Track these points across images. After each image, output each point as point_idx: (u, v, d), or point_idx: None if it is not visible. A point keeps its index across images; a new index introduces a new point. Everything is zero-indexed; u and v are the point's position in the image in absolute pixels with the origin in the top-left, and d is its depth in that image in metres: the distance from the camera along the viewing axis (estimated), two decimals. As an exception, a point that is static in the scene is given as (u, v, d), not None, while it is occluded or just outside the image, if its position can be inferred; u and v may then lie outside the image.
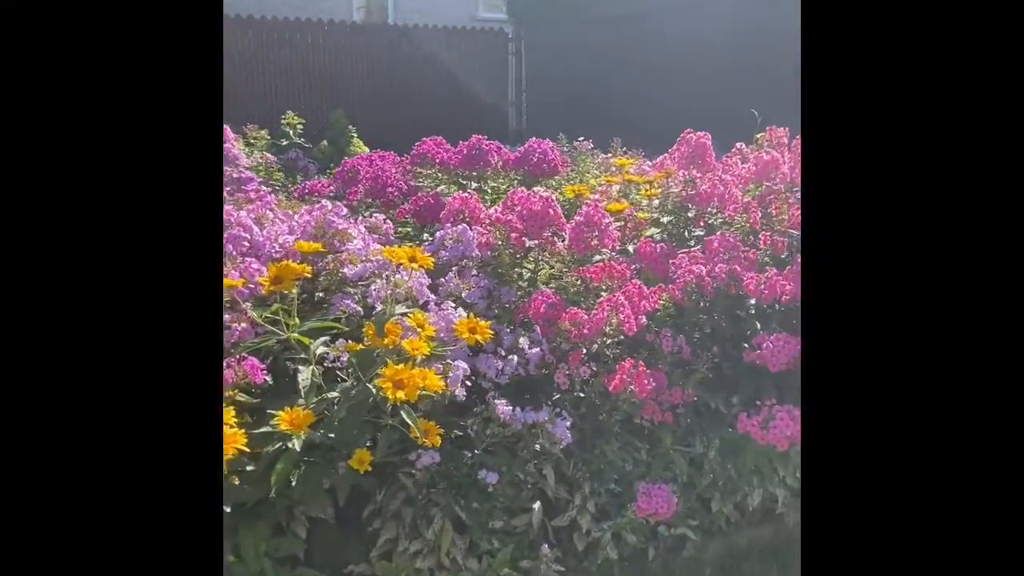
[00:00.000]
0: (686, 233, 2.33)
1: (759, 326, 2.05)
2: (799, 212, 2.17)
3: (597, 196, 2.23)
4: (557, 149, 2.59)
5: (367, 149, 5.41)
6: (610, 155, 2.79)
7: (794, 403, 1.98)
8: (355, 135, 5.70)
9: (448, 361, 1.60)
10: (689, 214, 2.35)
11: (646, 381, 1.79)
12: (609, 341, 1.85)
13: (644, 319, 1.91)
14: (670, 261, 2.04)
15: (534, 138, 2.57)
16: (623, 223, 2.37)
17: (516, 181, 2.42)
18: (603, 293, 1.98)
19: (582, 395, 1.89)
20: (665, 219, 2.39)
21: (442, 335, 1.63)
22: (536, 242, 2.01)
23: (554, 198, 1.97)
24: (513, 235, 1.91)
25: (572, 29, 7.67)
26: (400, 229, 2.26)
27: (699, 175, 2.30)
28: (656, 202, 2.38)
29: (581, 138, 3.53)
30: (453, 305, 1.70)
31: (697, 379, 1.95)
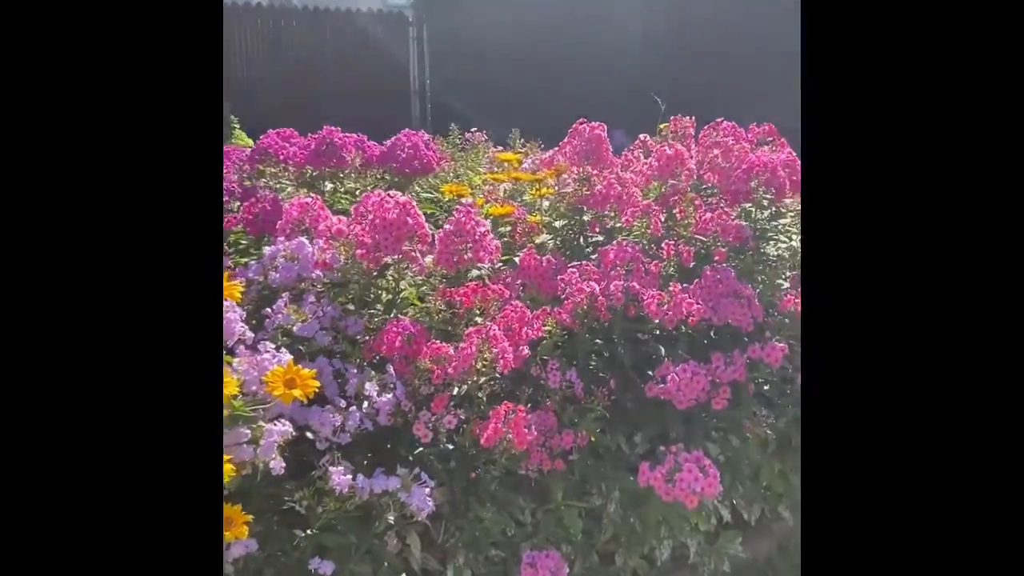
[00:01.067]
0: (582, 240, 2.01)
1: (664, 352, 1.74)
2: (708, 216, 1.87)
3: (470, 201, 1.87)
4: (434, 143, 2.22)
5: (251, 142, 4.91)
6: (499, 148, 2.45)
7: (705, 445, 1.69)
8: (237, 126, 5.18)
9: (261, 423, 1.22)
10: (585, 217, 2.02)
11: (527, 429, 1.45)
12: (482, 380, 1.50)
13: (526, 350, 1.57)
14: (559, 276, 1.71)
15: (407, 130, 2.20)
16: (511, 229, 2.03)
17: (383, 181, 2.04)
18: (479, 319, 1.63)
19: (451, 447, 1.54)
20: (559, 223, 2.06)
21: (255, 388, 1.25)
22: (397, 257, 1.64)
23: (413, 203, 1.60)
24: (359, 251, 1.54)
25: (476, 12, 7.29)
26: (238, 243, 1.86)
27: (595, 172, 1.97)
28: (546, 204, 2.05)
29: (474, 129, 3.17)
30: (274, 346, 1.31)
31: (592, 418, 1.63)
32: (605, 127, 1.99)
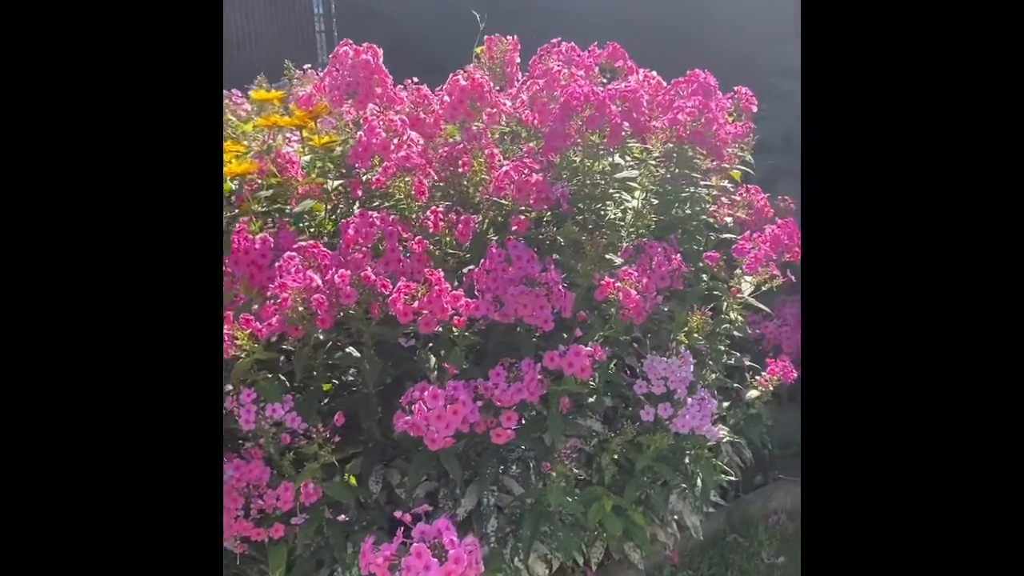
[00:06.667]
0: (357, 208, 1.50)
1: (433, 364, 1.25)
2: (513, 171, 1.36)
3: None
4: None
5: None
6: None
7: (497, 486, 1.22)
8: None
9: None
10: (364, 176, 1.51)
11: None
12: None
13: (200, 378, 1.07)
14: (276, 265, 1.20)
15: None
16: (270, 192, 1.51)
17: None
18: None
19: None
20: (335, 184, 1.54)
21: None
22: None
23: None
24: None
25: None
26: None
27: (363, 114, 1.45)
28: (307, 158, 1.53)
29: (307, 65, 2.61)
30: None
31: (315, 470, 1.14)
32: (378, 52, 1.47)
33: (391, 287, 1.16)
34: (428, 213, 1.27)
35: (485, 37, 1.66)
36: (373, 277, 1.14)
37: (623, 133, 1.46)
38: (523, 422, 1.35)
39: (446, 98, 1.47)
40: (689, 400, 1.38)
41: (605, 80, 1.78)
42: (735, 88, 1.78)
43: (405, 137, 1.38)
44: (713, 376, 1.57)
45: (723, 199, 1.73)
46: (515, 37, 1.67)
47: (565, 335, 1.36)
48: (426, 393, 1.11)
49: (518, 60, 1.69)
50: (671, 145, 1.54)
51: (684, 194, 1.59)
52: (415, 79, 1.75)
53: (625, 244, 1.44)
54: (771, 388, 1.59)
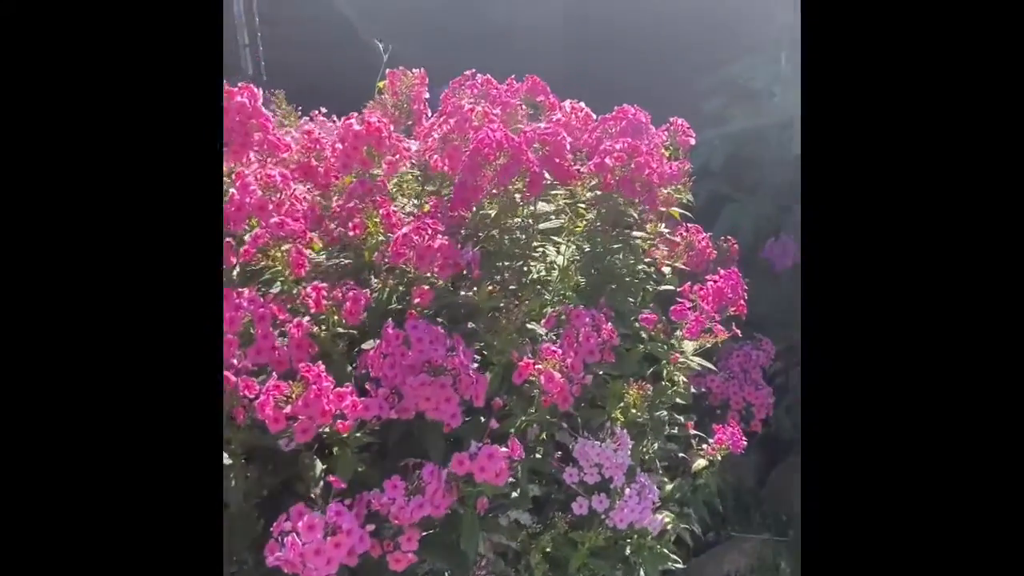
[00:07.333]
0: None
1: (318, 473, 1.04)
2: (413, 233, 1.16)
3: None
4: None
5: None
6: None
7: None
8: None
9: None
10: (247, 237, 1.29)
11: None
12: None
13: None
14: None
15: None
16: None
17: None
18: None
19: None
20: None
21: None
22: None
23: None
24: None
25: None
26: None
27: (238, 166, 1.24)
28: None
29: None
30: None
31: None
32: (256, 94, 1.25)
33: (257, 388, 0.95)
34: (309, 290, 1.06)
35: (387, 71, 1.46)
36: (234, 379, 0.93)
37: (544, 182, 1.28)
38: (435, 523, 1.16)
39: (338, 145, 1.27)
40: (627, 490, 1.20)
41: (531, 112, 1.60)
42: (670, 119, 1.62)
43: (288, 193, 1.17)
44: (656, 447, 1.40)
45: (660, 245, 1.55)
46: (423, 70, 1.47)
47: (483, 418, 1.17)
48: (301, 522, 0.90)
49: (427, 96, 1.49)
50: (599, 192, 1.36)
51: (616, 245, 1.42)
52: (323, 110, 1.54)
53: (549, 310, 1.26)
54: (719, 457, 1.43)
